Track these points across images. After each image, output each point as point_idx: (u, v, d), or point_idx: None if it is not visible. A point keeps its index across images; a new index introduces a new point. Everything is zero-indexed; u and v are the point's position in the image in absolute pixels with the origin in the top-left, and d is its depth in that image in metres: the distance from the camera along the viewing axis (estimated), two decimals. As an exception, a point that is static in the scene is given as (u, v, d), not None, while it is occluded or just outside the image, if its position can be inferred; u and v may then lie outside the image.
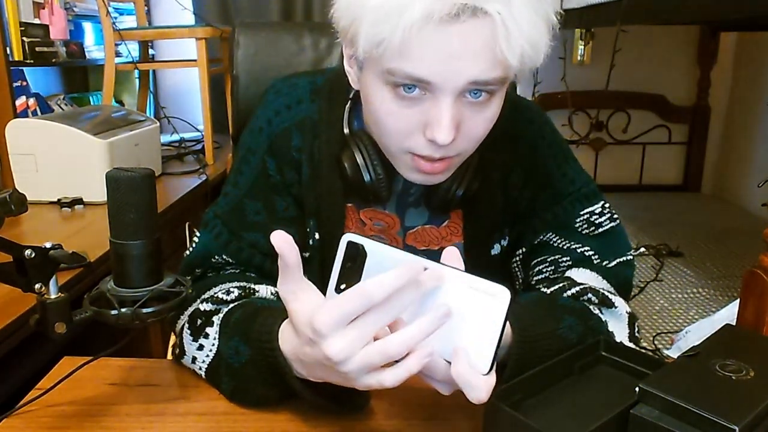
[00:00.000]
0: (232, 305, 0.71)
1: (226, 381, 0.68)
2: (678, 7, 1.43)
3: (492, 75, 0.61)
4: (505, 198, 0.82)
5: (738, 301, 1.14)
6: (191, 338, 0.72)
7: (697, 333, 1.67)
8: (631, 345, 0.72)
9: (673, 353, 1.70)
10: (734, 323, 1.14)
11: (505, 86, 0.66)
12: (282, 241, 0.53)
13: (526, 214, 0.83)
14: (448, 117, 0.62)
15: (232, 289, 0.73)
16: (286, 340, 0.59)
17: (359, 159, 0.75)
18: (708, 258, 2.41)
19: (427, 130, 0.64)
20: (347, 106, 0.79)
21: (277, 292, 0.75)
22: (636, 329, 0.75)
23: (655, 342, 1.82)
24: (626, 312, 0.74)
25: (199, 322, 0.72)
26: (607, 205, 0.82)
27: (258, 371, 0.64)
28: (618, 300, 0.75)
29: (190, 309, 0.73)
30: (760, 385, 0.53)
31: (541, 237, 0.82)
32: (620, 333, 0.72)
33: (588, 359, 0.66)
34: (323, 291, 0.86)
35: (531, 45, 0.60)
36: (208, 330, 0.70)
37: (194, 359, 0.71)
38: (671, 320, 1.97)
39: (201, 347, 0.70)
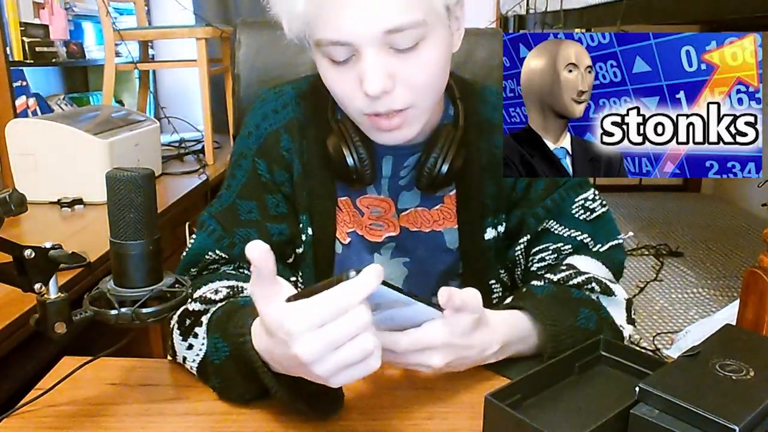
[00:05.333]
0: (219, 305, 0.72)
1: (212, 379, 0.68)
2: (678, 7, 1.43)
3: (405, 19, 0.65)
4: (497, 184, 0.84)
5: (738, 301, 1.14)
6: (181, 338, 0.72)
7: (697, 333, 1.67)
8: (629, 326, 0.78)
9: (673, 353, 1.70)
10: (734, 323, 1.14)
11: (438, 30, 0.69)
12: (258, 251, 0.52)
13: (521, 202, 0.85)
14: (372, 68, 0.66)
15: (220, 289, 0.74)
16: (260, 338, 0.59)
17: (342, 143, 0.78)
18: (708, 258, 2.41)
19: (362, 86, 0.68)
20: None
21: None
22: (632, 312, 0.81)
23: (655, 342, 1.82)
24: (624, 299, 0.80)
25: (188, 322, 0.72)
26: (596, 192, 0.86)
27: (237, 367, 0.64)
28: (617, 288, 0.80)
29: (180, 309, 0.73)
30: (760, 385, 0.53)
31: (544, 224, 0.84)
32: (619, 318, 0.78)
33: (588, 359, 0.66)
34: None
35: None
36: (197, 330, 0.71)
37: (185, 359, 0.72)
38: (671, 320, 1.97)
39: (191, 347, 0.71)
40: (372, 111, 0.70)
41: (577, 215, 0.83)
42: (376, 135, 0.75)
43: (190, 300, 0.73)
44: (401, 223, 0.86)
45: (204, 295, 0.73)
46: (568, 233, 0.83)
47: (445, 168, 0.78)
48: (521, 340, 0.71)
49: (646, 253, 2.48)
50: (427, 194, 0.85)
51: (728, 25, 2.94)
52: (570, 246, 0.83)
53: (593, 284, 0.78)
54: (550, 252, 0.84)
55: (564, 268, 0.80)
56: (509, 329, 0.70)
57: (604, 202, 0.86)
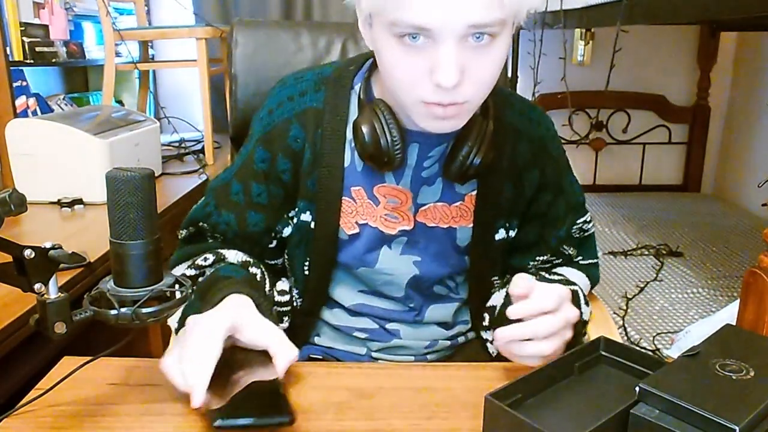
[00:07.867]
0: (207, 270, 0.85)
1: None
2: (678, 7, 1.43)
3: (490, 17, 0.64)
4: (515, 191, 0.87)
5: (738, 301, 1.14)
6: None
7: (697, 333, 1.67)
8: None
9: (673, 353, 1.70)
10: (734, 323, 1.14)
11: (508, 29, 0.69)
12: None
13: (543, 218, 0.90)
14: (450, 59, 0.65)
15: (208, 256, 0.85)
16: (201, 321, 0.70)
17: (376, 123, 0.77)
18: (708, 258, 2.41)
19: (433, 75, 0.67)
20: (364, 77, 0.83)
21: (242, 260, 0.86)
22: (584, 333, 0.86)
23: (655, 342, 1.82)
24: (584, 319, 0.84)
25: None
26: (590, 214, 0.96)
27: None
28: (585, 309, 0.85)
29: (179, 272, 0.84)
30: (760, 385, 0.53)
31: (561, 245, 0.92)
32: None
33: (588, 359, 0.66)
34: (299, 268, 0.90)
35: None
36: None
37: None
38: (671, 320, 1.97)
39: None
40: (435, 101, 0.69)
41: (574, 234, 0.93)
42: (427, 122, 0.73)
43: (187, 266, 0.86)
44: (418, 219, 0.86)
45: (195, 262, 0.85)
46: (566, 251, 0.93)
47: (477, 160, 0.78)
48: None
49: (646, 253, 2.48)
50: (450, 189, 0.85)
51: (728, 26, 2.94)
52: (560, 259, 0.94)
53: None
54: (549, 265, 0.94)
55: (557, 272, 0.91)
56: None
57: (593, 224, 0.96)
